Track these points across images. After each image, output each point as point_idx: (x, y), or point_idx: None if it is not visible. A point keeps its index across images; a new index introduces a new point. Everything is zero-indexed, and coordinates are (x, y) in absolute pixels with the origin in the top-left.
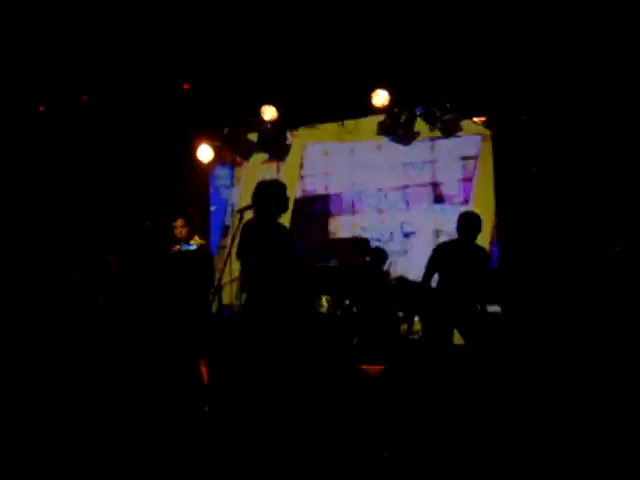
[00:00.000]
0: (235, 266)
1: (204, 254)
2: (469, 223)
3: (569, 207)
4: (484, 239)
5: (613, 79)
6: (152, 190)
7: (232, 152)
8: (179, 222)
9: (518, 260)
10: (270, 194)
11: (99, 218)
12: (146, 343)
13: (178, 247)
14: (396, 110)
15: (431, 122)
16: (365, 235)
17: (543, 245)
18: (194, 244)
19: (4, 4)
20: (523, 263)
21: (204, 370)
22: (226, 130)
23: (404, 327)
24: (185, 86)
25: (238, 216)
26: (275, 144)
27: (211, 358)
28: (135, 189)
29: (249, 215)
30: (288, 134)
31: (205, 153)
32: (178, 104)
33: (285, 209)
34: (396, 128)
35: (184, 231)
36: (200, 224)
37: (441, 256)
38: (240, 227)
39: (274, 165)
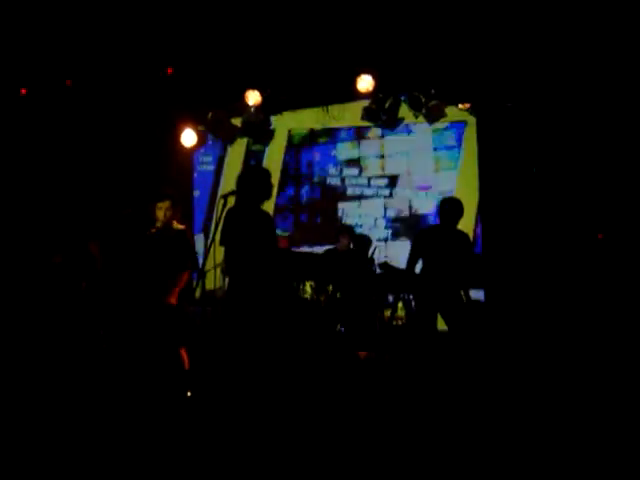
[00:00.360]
0: (218, 252)
1: (183, 239)
2: (450, 208)
3: (553, 194)
4: (468, 226)
5: (597, 67)
6: (135, 175)
7: (216, 137)
8: (166, 204)
9: (502, 246)
10: (254, 181)
11: (81, 204)
12: (128, 329)
13: (154, 230)
14: (381, 95)
15: (416, 108)
16: (348, 221)
17: (527, 232)
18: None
19: None
20: (507, 249)
21: (184, 355)
22: (210, 114)
23: (388, 313)
24: (169, 70)
25: (222, 202)
26: (259, 129)
27: (193, 343)
28: (118, 174)
29: (233, 201)
30: (272, 119)
31: (189, 138)
32: (162, 88)
33: (269, 196)
34: (381, 114)
35: (169, 214)
36: (183, 209)
37: (423, 242)
38: (224, 213)
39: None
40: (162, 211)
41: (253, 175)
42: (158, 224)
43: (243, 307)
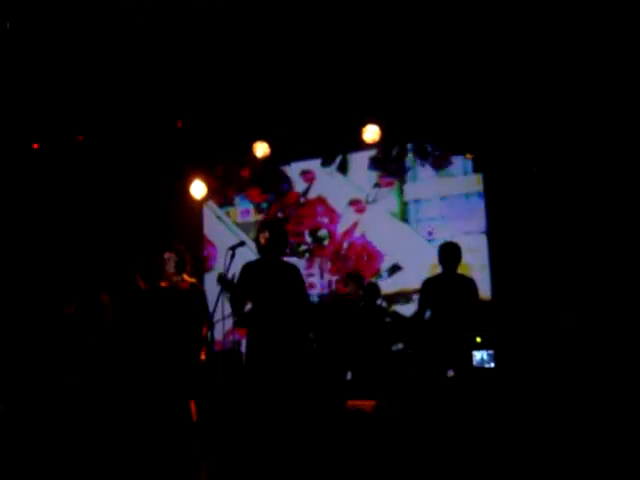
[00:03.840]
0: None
1: (196, 293)
2: (445, 254)
3: (563, 236)
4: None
5: (598, 120)
6: (146, 227)
7: (226, 188)
8: (172, 255)
9: (512, 290)
10: (272, 233)
11: (93, 255)
12: (138, 382)
13: (165, 284)
14: (387, 145)
15: (422, 157)
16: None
17: (539, 276)
18: (184, 281)
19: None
20: (517, 296)
21: (193, 407)
22: (219, 166)
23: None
24: (178, 123)
25: (230, 253)
26: (269, 179)
27: (203, 395)
28: (129, 226)
29: (241, 252)
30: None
31: (199, 190)
32: (171, 141)
33: (286, 247)
34: (387, 163)
35: (172, 264)
36: (194, 261)
37: (429, 291)
38: (231, 264)
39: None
40: (169, 262)
41: (271, 228)
42: (166, 276)
43: (277, 360)
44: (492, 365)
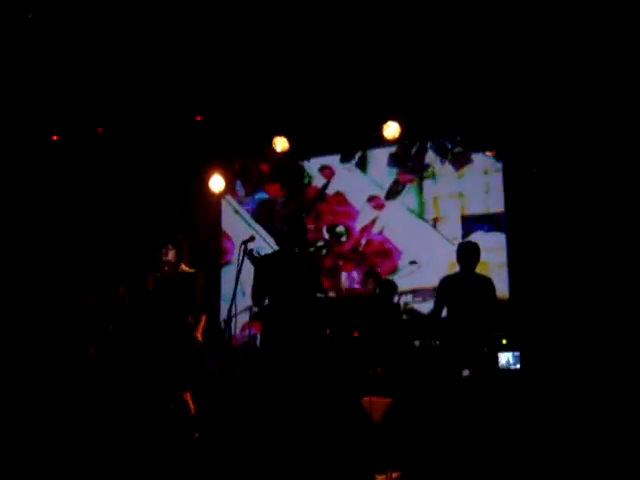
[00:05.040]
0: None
1: (192, 282)
2: (464, 253)
3: (582, 239)
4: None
5: (618, 113)
6: (163, 221)
7: (244, 183)
8: (169, 247)
9: (531, 289)
10: (292, 228)
11: (111, 247)
12: (135, 375)
13: (159, 274)
14: (407, 142)
15: (442, 154)
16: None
17: (558, 278)
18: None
19: (23, 38)
20: (536, 297)
21: (189, 399)
22: (238, 161)
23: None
24: (197, 117)
25: (242, 247)
26: (287, 174)
27: (205, 388)
28: (146, 219)
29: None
30: (302, 164)
31: (217, 184)
32: (190, 135)
33: (304, 240)
34: (407, 160)
35: (171, 255)
36: (212, 255)
37: (446, 289)
38: (244, 258)
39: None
40: (168, 253)
41: (291, 222)
42: (165, 267)
43: (290, 353)
44: (517, 367)
